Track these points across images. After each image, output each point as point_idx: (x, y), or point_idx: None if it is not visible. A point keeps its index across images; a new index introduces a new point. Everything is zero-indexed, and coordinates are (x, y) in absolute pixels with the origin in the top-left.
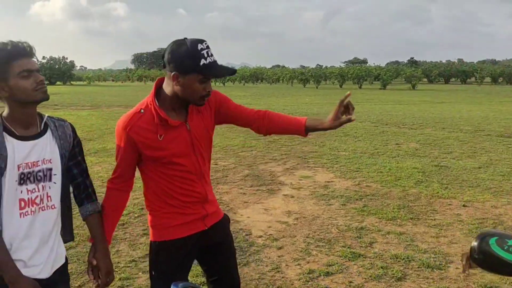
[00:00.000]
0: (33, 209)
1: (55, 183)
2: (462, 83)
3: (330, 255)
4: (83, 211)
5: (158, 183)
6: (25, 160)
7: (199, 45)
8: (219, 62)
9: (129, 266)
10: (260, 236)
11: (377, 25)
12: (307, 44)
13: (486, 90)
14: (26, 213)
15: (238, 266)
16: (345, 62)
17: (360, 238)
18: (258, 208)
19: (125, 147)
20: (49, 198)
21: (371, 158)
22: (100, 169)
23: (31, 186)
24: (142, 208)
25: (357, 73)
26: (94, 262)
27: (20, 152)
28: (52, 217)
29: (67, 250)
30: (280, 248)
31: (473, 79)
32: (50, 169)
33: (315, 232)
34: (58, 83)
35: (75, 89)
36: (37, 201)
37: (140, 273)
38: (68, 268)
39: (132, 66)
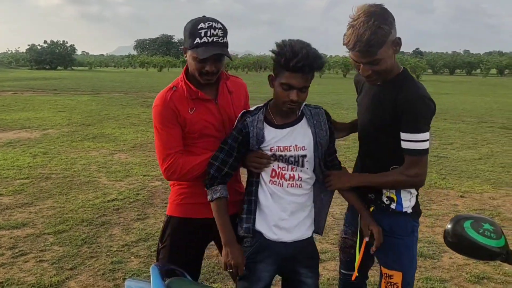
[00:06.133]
0: (280, 181)
1: (307, 168)
2: (467, 74)
3: (323, 243)
4: None
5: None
6: (277, 144)
7: (200, 24)
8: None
9: (121, 250)
10: None
11: None
12: (311, 33)
13: (491, 82)
14: (274, 182)
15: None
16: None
17: None
18: None
19: (169, 120)
20: (300, 179)
21: None
22: (97, 154)
23: (282, 164)
24: (138, 194)
25: None
26: (369, 227)
27: (275, 137)
28: (299, 195)
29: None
30: None
31: (478, 70)
32: (303, 156)
33: None
34: (59, 68)
35: (76, 74)
36: (286, 176)
37: (132, 257)
38: (61, 250)
39: (134, 52)
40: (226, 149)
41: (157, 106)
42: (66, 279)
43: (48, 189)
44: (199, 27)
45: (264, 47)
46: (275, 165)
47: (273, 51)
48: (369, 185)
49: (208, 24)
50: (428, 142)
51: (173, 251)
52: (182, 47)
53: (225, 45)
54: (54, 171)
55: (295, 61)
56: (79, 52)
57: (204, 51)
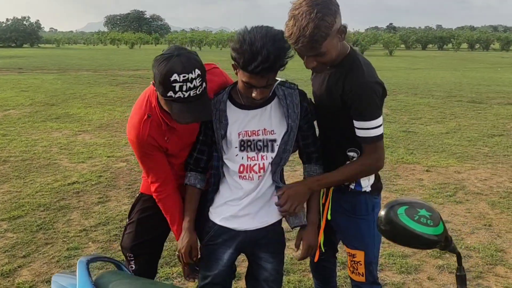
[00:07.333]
0: (251, 175)
1: (277, 153)
2: (439, 49)
3: (285, 222)
4: (308, 169)
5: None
6: (244, 128)
7: (174, 75)
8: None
9: (79, 236)
10: None
11: None
12: (286, 9)
13: (462, 56)
14: (244, 177)
15: None
16: None
17: None
18: None
19: (149, 150)
20: (270, 166)
21: None
22: (60, 135)
23: (251, 154)
24: (100, 176)
25: None
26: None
27: (241, 120)
28: (270, 184)
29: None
30: None
31: (450, 45)
32: (273, 140)
33: None
34: (25, 45)
35: (43, 52)
36: (256, 169)
37: (90, 243)
38: (14, 237)
39: (105, 29)
40: (197, 135)
41: (133, 141)
42: (19, 267)
43: (5, 172)
44: (172, 79)
45: (240, 24)
46: (243, 156)
47: (232, 47)
48: (332, 185)
49: (184, 77)
50: (381, 127)
51: (139, 227)
52: (152, 82)
53: (203, 93)
54: (12, 153)
55: (254, 66)
56: (46, 29)
57: (180, 112)
